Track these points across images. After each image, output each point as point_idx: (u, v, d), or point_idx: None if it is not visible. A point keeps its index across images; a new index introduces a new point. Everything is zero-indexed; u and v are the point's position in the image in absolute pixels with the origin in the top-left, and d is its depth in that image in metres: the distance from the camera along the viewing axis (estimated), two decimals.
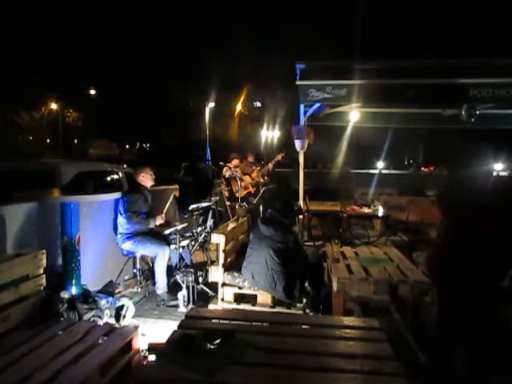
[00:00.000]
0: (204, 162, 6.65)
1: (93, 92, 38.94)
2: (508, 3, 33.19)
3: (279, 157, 7.74)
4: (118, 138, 39.32)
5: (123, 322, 2.93)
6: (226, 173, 6.82)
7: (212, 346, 1.95)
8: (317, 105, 6.02)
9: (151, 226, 4.31)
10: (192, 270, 4.01)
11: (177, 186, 6.06)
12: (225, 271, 3.61)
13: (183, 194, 5.73)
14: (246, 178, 7.24)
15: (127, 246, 4.25)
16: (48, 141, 34.53)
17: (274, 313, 3.29)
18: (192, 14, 51.29)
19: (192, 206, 4.65)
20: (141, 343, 2.56)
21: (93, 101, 38.54)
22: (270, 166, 7.75)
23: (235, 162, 7.04)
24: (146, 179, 4.53)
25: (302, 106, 6.12)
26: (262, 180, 7.43)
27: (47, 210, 3.63)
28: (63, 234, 3.41)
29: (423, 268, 3.01)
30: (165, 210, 4.58)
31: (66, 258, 3.41)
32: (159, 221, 4.41)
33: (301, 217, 6.13)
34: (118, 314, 2.97)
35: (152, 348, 2.60)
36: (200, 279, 4.20)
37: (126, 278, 4.59)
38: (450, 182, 2.76)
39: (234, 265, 3.79)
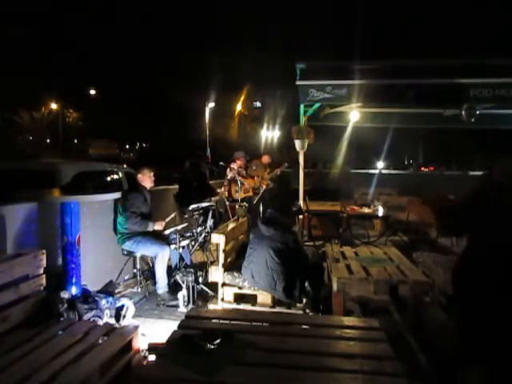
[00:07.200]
0: (204, 162, 6.58)
1: (93, 92, 38.96)
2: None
3: (282, 168, 7.44)
4: (117, 137, 39.28)
5: (123, 322, 2.93)
6: (229, 174, 6.66)
7: (212, 346, 1.95)
8: (317, 105, 6.02)
9: (149, 229, 4.28)
10: (192, 270, 4.00)
11: (177, 186, 6.05)
12: (225, 271, 3.61)
13: (186, 192, 5.71)
14: (249, 181, 7.01)
15: (127, 245, 4.24)
16: (48, 141, 34.50)
17: (274, 313, 3.29)
18: (192, 13, 51.33)
19: (192, 206, 4.65)
20: (141, 343, 2.56)
21: (93, 101, 38.54)
22: (278, 171, 7.38)
23: (239, 162, 6.78)
24: (145, 180, 4.52)
25: (301, 106, 6.12)
26: (264, 185, 7.19)
27: (47, 210, 3.62)
28: (63, 234, 3.41)
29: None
30: (167, 220, 4.55)
31: (66, 258, 3.41)
32: (158, 226, 4.36)
33: (301, 217, 6.13)
34: (118, 313, 2.97)
35: (152, 348, 2.60)
36: (200, 279, 4.19)
37: (126, 278, 4.59)
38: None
39: (234, 265, 3.79)
